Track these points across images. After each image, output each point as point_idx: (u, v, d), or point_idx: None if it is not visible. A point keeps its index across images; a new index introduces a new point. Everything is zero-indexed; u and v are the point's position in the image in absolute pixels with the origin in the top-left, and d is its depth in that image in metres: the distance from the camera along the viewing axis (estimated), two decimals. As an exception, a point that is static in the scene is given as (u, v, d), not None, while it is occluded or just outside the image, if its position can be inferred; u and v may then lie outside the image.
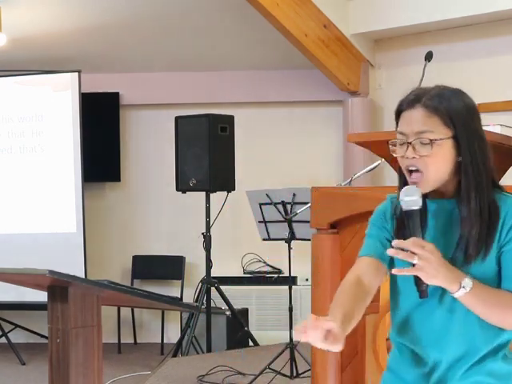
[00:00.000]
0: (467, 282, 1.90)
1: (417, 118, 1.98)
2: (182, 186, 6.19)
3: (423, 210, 2.00)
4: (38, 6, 6.34)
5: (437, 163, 1.97)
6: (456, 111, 1.97)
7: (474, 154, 1.97)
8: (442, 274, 1.88)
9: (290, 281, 5.31)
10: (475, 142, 1.97)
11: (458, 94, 2.02)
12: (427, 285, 1.92)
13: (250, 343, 6.36)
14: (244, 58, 7.06)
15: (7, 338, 6.86)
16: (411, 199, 1.98)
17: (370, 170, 4.56)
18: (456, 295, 1.91)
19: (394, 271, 1.96)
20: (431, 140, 1.95)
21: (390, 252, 1.92)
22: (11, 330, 7.02)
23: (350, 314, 1.93)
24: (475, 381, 1.98)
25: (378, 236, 2.11)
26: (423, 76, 3.48)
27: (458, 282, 1.90)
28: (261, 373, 5.12)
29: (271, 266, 7.05)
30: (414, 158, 1.98)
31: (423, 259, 1.87)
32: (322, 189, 3.25)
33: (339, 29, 6.44)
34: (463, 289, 1.90)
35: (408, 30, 6.41)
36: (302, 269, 5.51)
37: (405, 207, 1.99)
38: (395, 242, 1.93)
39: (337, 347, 1.80)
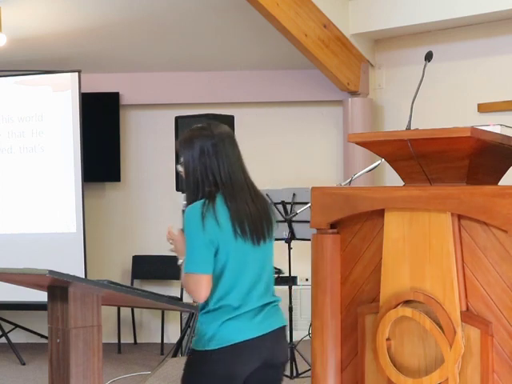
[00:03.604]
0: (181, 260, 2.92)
1: None
2: (182, 185, 6.18)
3: None
4: (38, 5, 6.34)
5: None
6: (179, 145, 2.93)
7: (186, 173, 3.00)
8: (177, 251, 3.03)
9: (290, 281, 5.31)
10: (184, 164, 2.97)
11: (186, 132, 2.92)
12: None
13: (250, 343, 6.35)
14: (244, 57, 7.06)
15: (7, 338, 6.86)
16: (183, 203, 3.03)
17: (369, 170, 4.57)
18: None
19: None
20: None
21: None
22: (11, 330, 7.03)
23: None
24: None
25: None
26: (423, 76, 3.47)
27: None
28: (261, 373, 5.10)
29: (271, 266, 7.04)
30: None
31: (172, 242, 3.05)
32: (322, 189, 3.24)
33: (339, 29, 6.44)
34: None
35: (408, 29, 6.41)
36: (302, 269, 5.51)
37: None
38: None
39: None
